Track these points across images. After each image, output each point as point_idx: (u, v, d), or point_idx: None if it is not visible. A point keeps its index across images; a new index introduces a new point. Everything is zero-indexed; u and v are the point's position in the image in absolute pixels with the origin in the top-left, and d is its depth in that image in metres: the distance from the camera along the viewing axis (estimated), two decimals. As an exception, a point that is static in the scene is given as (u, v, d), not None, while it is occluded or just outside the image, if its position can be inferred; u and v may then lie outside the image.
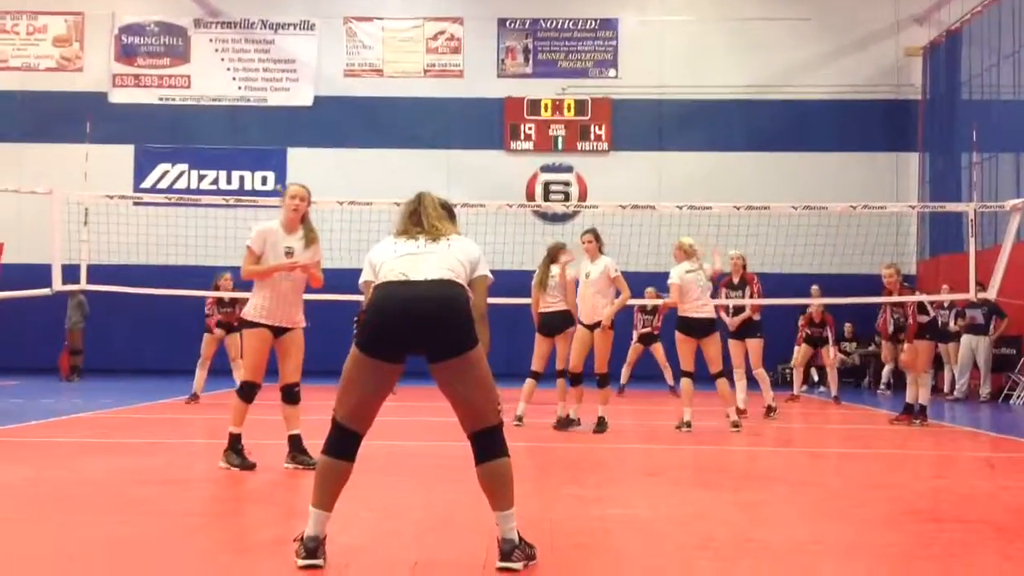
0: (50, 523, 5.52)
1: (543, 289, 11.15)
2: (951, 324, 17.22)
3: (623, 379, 16.82)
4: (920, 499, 6.91)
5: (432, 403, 11.81)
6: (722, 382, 11.12)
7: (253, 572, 4.45)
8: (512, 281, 11.75)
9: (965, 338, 16.97)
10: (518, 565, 4.44)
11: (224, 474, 7.39)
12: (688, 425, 10.83)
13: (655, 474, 7.97)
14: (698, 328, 11.02)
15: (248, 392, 7.61)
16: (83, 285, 13.31)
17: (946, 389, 17.51)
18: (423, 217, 4.77)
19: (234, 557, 4.77)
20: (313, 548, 4.44)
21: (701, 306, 11.07)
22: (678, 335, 11.21)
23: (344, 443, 4.52)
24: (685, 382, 11.10)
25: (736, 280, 13.19)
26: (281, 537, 5.00)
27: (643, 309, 16.45)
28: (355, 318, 4.94)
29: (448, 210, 4.88)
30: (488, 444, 4.50)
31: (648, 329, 16.62)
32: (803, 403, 15.90)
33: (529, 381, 11.18)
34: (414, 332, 4.39)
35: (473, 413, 4.50)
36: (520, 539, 4.53)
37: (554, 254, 11.26)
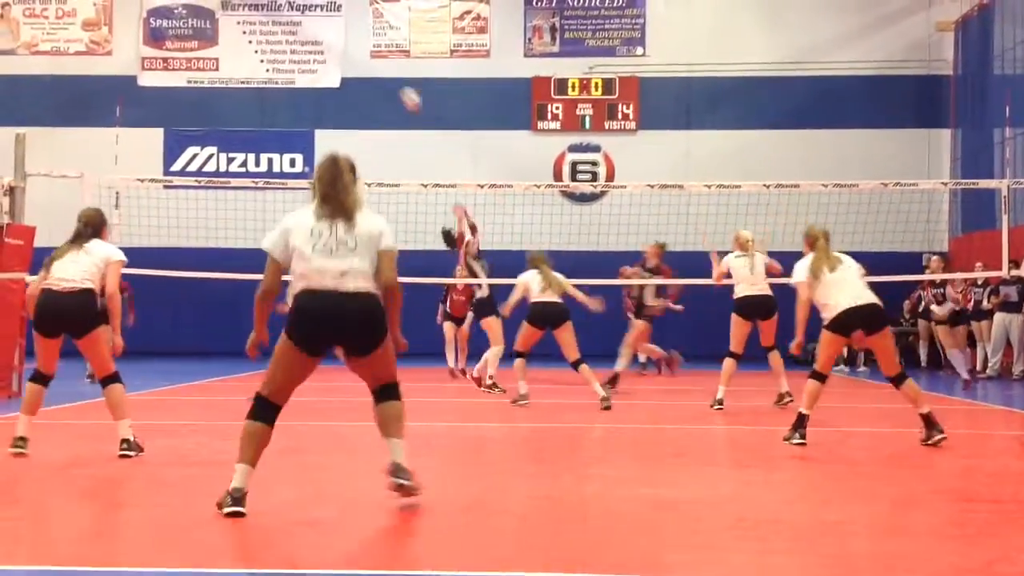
0: (84, 504, 5.58)
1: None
2: (984, 302, 17.06)
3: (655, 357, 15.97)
4: (952, 478, 6.87)
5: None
6: (774, 355, 11.10)
7: (282, 553, 4.49)
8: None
9: (998, 316, 16.78)
10: (409, 481, 5.29)
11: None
12: (720, 403, 10.81)
13: (683, 454, 7.96)
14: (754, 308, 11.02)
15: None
16: (114, 268, 13.39)
17: (979, 367, 17.36)
18: (338, 194, 5.43)
19: (265, 536, 4.82)
20: (239, 498, 5.15)
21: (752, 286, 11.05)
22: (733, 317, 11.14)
23: (269, 412, 5.36)
24: (728, 362, 11.06)
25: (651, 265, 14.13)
26: (312, 519, 5.04)
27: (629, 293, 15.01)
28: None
29: (354, 172, 5.57)
30: (387, 391, 5.48)
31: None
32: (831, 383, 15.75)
33: (518, 360, 11.28)
34: (337, 337, 5.34)
35: (378, 379, 5.47)
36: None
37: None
